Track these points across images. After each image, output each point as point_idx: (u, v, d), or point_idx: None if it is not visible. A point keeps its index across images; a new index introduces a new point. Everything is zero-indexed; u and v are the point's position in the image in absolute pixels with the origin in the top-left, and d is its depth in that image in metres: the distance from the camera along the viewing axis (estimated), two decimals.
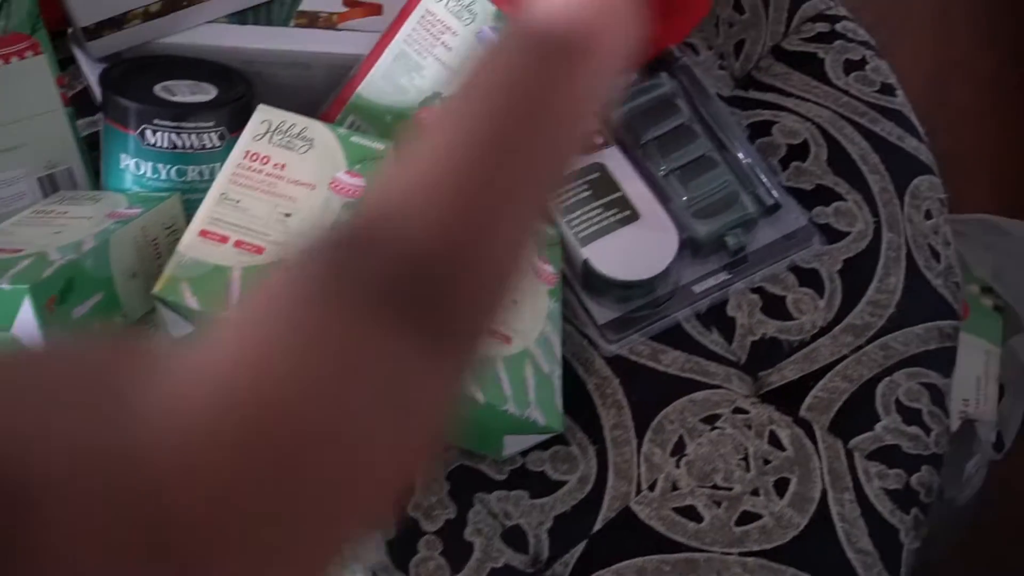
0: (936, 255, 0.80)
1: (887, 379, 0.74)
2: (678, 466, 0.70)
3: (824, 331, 0.75)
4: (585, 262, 0.72)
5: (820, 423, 0.73)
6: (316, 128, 0.68)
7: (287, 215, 0.64)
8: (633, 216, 0.74)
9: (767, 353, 0.75)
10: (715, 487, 0.70)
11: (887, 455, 0.72)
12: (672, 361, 0.74)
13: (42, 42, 0.67)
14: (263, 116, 0.68)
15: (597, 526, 0.69)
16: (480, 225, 0.25)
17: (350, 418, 0.23)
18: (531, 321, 0.68)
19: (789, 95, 0.86)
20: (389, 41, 0.73)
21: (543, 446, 0.70)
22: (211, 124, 0.69)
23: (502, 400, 0.63)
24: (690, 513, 0.69)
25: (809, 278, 0.77)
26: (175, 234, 0.67)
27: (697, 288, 0.75)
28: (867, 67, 0.88)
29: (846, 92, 0.86)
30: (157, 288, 0.61)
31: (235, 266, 0.62)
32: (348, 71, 0.74)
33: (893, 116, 0.85)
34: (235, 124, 0.69)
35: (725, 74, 0.88)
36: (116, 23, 0.72)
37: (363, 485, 0.24)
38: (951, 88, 1.53)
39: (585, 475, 0.70)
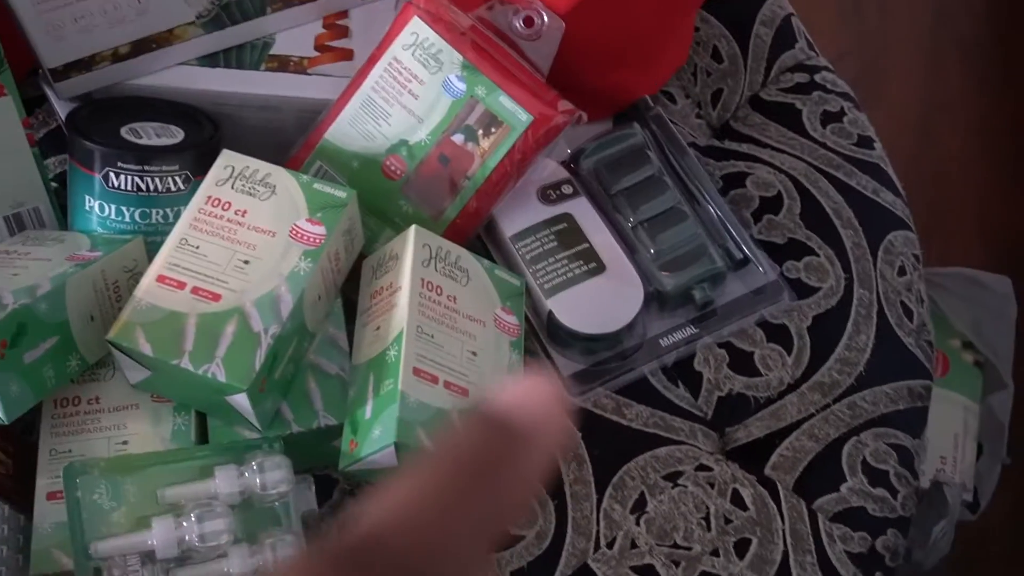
0: (909, 312, 0.79)
1: (854, 439, 0.73)
2: (638, 523, 0.69)
3: (792, 388, 0.75)
4: (549, 314, 0.72)
5: (784, 483, 0.72)
6: (279, 174, 0.68)
7: (246, 262, 0.64)
8: (599, 268, 0.73)
9: (734, 409, 0.74)
10: (674, 546, 0.69)
11: (852, 517, 0.71)
12: (636, 415, 0.73)
13: (7, 84, 0.67)
14: (226, 161, 0.68)
15: None
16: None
17: None
18: (491, 373, 0.67)
19: (765, 146, 0.85)
20: (357, 88, 0.73)
21: None
22: (175, 168, 0.69)
23: None
24: (648, 572, 0.68)
25: (778, 334, 0.76)
26: (136, 277, 0.67)
27: (664, 341, 0.74)
28: (845, 119, 0.87)
29: (823, 144, 0.85)
30: (111, 333, 0.61)
31: (190, 312, 0.62)
32: (318, 115, 0.74)
33: (869, 169, 0.85)
34: (200, 168, 0.69)
35: (702, 123, 0.88)
36: (85, 65, 0.72)
37: None
38: (940, 132, 1.53)
39: (543, 530, 0.69)
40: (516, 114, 0.71)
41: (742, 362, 0.75)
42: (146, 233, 0.70)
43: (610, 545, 0.69)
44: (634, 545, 0.69)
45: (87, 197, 0.69)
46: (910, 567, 0.90)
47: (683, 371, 0.75)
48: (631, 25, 0.77)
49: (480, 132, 0.71)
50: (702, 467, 0.72)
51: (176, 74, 0.75)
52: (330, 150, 0.73)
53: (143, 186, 0.69)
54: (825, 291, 0.78)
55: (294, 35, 0.77)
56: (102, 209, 0.69)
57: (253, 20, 0.75)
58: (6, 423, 0.58)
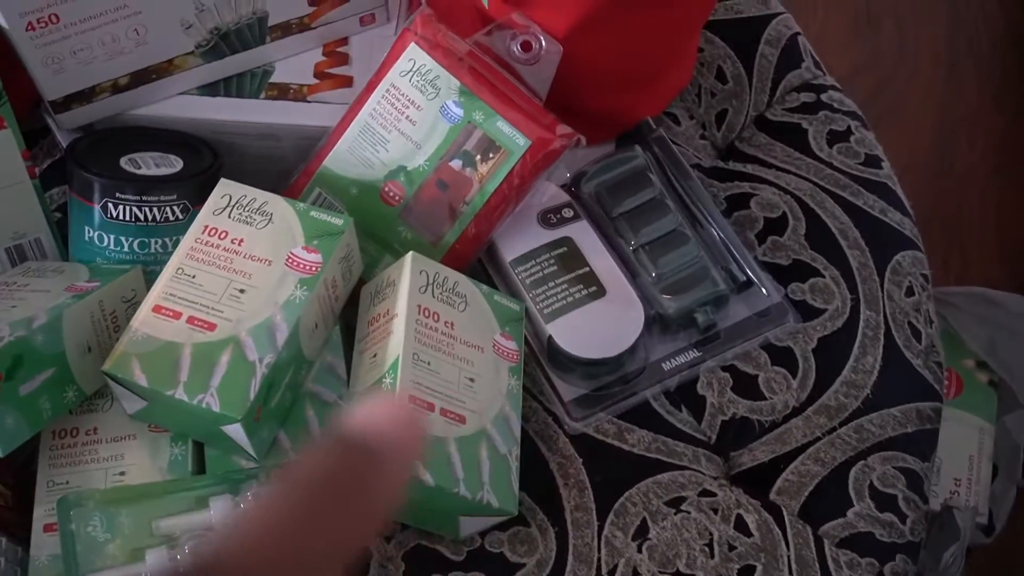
0: (917, 334, 0.78)
1: (861, 463, 0.72)
2: (640, 551, 0.68)
3: (797, 412, 0.74)
4: (549, 339, 0.71)
5: (790, 508, 0.71)
6: (276, 203, 0.68)
7: (241, 291, 0.64)
8: (600, 292, 0.72)
9: (738, 433, 0.74)
10: (677, 573, 0.68)
11: (859, 543, 0.70)
12: (638, 440, 0.72)
13: (6, 117, 0.67)
14: (224, 190, 0.68)
15: None
16: None
17: None
18: (489, 400, 0.66)
19: (770, 167, 0.84)
20: (355, 114, 0.73)
21: (502, 527, 0.69)
22: (173, 197, 0.69)
23: (453, 483, 0.62)
24: None
25: (782, 357, 0.75)
26: (135, 307, 0.67)
27: (666, 365, 0.73)
28: (852, 138, 0.86)
29: (829, 164, 0.85)
30: (107, 364, 0.61)
31: (186, 342, 0.62)
32: (317, 143, 0.74)
33: (877, 189, 0.84)
34: (199, 197, 0.69)
35: (707, 144, 0.87)
36: (85, 96, 0.72)
37: None
38: (957, 147, 1.51)
39: (544, 558, 0.68)
40: (514, 139, 0.70)
41: (746, 385, 0.74)
42: (145, 263, 0.70)
43: (611, 573, 0.68)
44: (636, 573, 0.68)
45: (86, 228, 0.70)
46: None
47: (686, 395, 0.74)
48: (631, 48, 0.77)
49: (478, 157, 0.71)
50: (705, 492, 0.71)
51: (176, 104, 0.75)
52: (329, 177, 0.73)
53: (141, 216, 0.69)
54: (831, 313, 0.77)
55: (294, 63, 0.77)
56: (101, 239, 0.70)
57: (253, 49, 0.75)
58: (1, 456, 0.58)
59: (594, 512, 0.69)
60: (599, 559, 0.68)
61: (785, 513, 0.70)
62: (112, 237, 0.69)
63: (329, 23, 0.76)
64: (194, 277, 0.64)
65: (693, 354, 0.74)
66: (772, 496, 0.71)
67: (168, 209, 0.69)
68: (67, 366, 0.63)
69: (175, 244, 0.70)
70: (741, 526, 0.70)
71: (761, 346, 0.75)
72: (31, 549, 0.61)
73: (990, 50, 1.61)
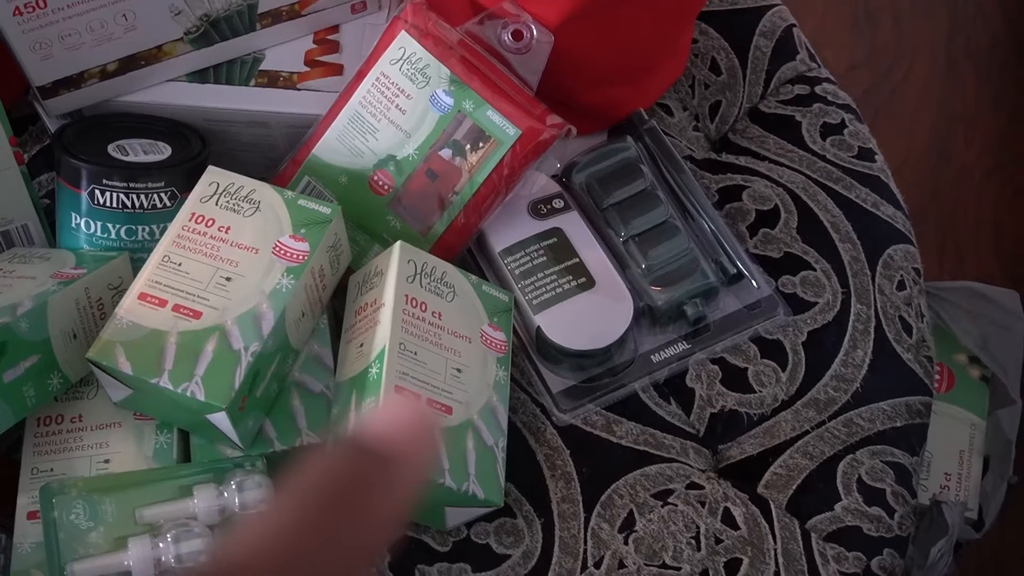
0: (908, 328, 0.78)
1: (850, 457, 0.72)
2: (626, 543, 0.68)
3: (786, 405, 0.73)
4: (538, 330, 0.71)
5: (777, 501, 0.70)
6: (263, 191, 0.67)
7: (228, 279, 0.63)
8: (589, 283, 0.72)
9: (726, 426, 0.73)
10: (663, 566, 0.67)
11: (846, 537, 0.70)
12: (626, 432, 0.72)
13: None
14: (211, 178, 0.68)
15: None
16: None
17: None
18: (476, 391, 0.66)
19: (763, 159, 0.84)
20: (345, 103, 0.72)
21: (488, 518, 0.68)
22: (161, 184, 0.69)
23: (439, 473, 0.61)
24: None
25: (772, 350, 0.75)
26: (121, 294, 0.67)
27: (656, 357, 0.73)
28: (845, 131, 0.86)
29: (822, 157, 0.84)
30: (91, 352, 0.61)
31: (171, 331, 0.61)
32: (307, 131, 0.74)
33: (870, 182, 0.83)
34: (186, 184, 0.69)
35: (700, 136, 0.87)
36: (73, 82, 0.72)
37: None
38: (954, 144, 1.51)
39: (530, 549, 0.68)
40: (504, 128, 0.70)
41: (735, 378, 0.74)
42: (132, 250, 0.70)
43: (597, 565, 0.68)
44: (622, 565, 0.67)
45: (73, 214, 0.69)
46: None
47: (675, 387, 0.74)
48: (624, 39, 0.76)
49: (468, 147, 0.71)
50: (693, 485, 0.70)
51: (165, 90, 0.75)
52: (318, 166, 0.73)
53: (129, 203, 0.69)
54: (821, 306, 0.77)
55: (284, 51, 0.77)
56: (88, 226, 0.69)
57: (242, 36, 0.75)
58: None
59: (581, 504, 0.69)
60: (585, 551, 0.68)
61: (773, 506, 0.70)
62: (99, 224, 0.69)
63: (320, 11, 0.76)
64: (180, 265, 0.64)
65: (682, 346, 0.74)
66: (760, 489, 0.71)
67: (155, 196, 0.69)
68: (52, 353, 0.63)
69: (162, 231, 0.69)
70: (728, 519, 0.69)
71: (751, 339, 0.75)
72: (15, 538, 0.61)
73: (988, 49, 1.60)
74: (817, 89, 0.89)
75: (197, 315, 0.62)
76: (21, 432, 0.65)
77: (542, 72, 0.74)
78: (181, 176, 0.70)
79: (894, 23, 1.62)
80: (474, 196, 0.71)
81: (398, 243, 0.68)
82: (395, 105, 0.71)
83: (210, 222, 0.66)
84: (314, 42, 0.77)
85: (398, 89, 0.71)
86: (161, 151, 0.72)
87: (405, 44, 0.71)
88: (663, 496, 0.70)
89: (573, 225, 0.75)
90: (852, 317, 0.76)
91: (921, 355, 0.77)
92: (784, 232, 0.80)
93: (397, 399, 0.35)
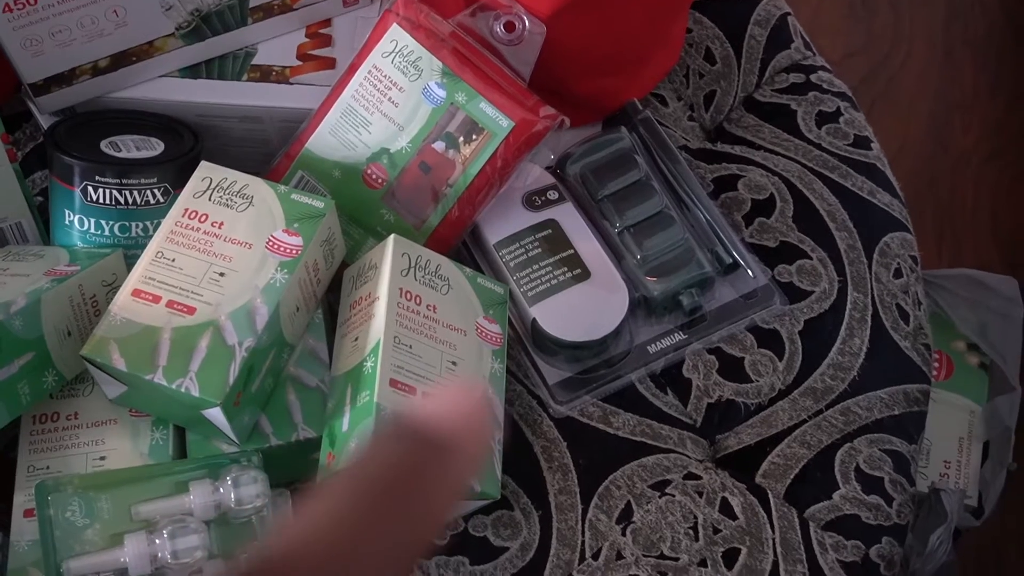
0: (905, 315, 0.78)
1: (847, 446, 0.72)
2: (624, 533, 0.68)
3: (783, 394, 0.73)
4: (533, 322, 0.71)
5: (775, 491, 0.70)
6: (256, 185, 0.67)
7: (221, 274, 0.63)
8: (584, 275, 0.72)
9: (724, 416, 0.73)
10: (661, 556, 0.67)
11: (845, 525, 0.70)
12: (623, 424, 0.72)
13: None
14: (204, 173, 0.68)
15: None
16: None
17: None
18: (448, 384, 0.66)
19: (759, 148, 0.84)
20: (337, 97, 0.72)
21: (486, 510, 0.68)
22: (154, 180, 0.69)
23: None
24: None
25: (769, 339, 0.75)
26: (115, 291, 0.66)
27: (652, 348, 0.73)
28: (841, 119, 0.86)
29: (818, 145, 0.84)
30: (85, 349, 0.60)
31: (165, 326, 0.61)
32: (300, 125, 0.74)
33: (865, 170, 0.83)
34: (180, 180, 0.69)
35: (695, 126, 0.86)
36: (64, 79, 0.72)
37: None
38: (952, 132, 1.50)
39: (528, 542, 0.68)
40: (497, 120, 0.70)
41: (732, 368, 0.74)
42: (126, 246, 0.70)
43: (595, 556, 0.67)
44: (620, 556, 0.67)
45: (67, 211, 0.69)
46: (909, 575, 0.88)
47: (672, 378, 0.74)
48: (617, 30, 0.76)
49: (461, 139, 0.70)
50: (690, 475, 0.70)
51: (158, 86, 0.75)
52: (311, 160, 0.73)
53: (122, 200, 0.68)
54: (818, 295, 0.76)
55: (276, 45, 0.77)
56: (82, 223, 0.69)
57: (234, 31, 0.75)
58: None
59: (578, 495, 0.69)
60: (583, 542, 0.68)
61: (771, 496, 0.70)
62: (92, 221, 0.69)
63: (311, 4, 0.76)
64: (174, 261, 0.64)
65: (679, 337, 0.73)
66: (758, 479, 0.71)
67: (149, 192, 0.69)
68: (46, 351, 0.63)
69: (156, 227, 0.69)
70: (726, 509, 0.69)
71: (747, 328, 0.75)
72: (11, 536, 0.61)
73: (985, 36, 1.60)
74: (812, 77, 0.89)
75: (191, 311, 0.62)
76: (17, 430, 0.65)
77: (535, 63, 0.74)
78: (174, 172, 0.69)
79: (891, 10, 1.62)
80: (468, 188, 0.71)
81: (392, 236, 0.67)
82: (388, 98, 0.71)
83: (203, 217, 0.66)
84: (306, 36, 0.77)
85: (390, 82, 0.71)
86: (154, 147, 0.71)
87: (397, 37, 0.71)
88: (661, 487, 0.70)
89: (568, 216, 0.74)
90: (849, 305, 0.76)
91: (919, 343, 0.77)
92: (780, 221, 0.79)
93: (454, 385, 0.34)
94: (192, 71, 0.75)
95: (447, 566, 0.67)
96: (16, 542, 0.61)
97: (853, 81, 0.88)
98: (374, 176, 0.72)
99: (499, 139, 0.70)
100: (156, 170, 0.69)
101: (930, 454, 1.08)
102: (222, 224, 0.65)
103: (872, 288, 0.77)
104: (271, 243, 0.65)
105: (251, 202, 0.66)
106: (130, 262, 0.69)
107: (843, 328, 0.75)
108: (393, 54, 0.71)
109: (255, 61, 0.76)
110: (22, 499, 0.62)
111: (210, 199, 0.66)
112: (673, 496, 0.69)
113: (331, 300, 0.71)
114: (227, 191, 0.67)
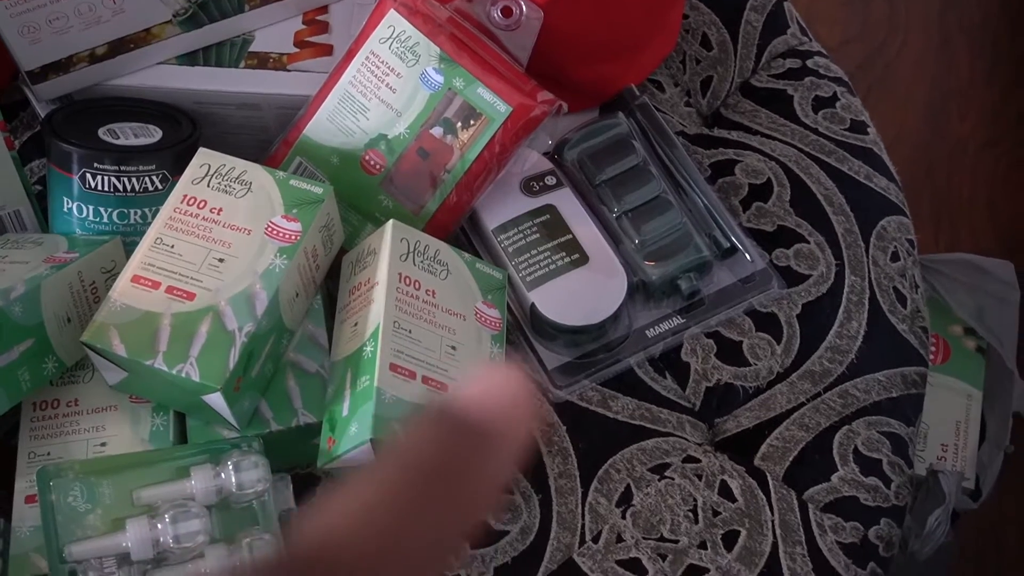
0: (902, 299, 0.78)
1: (846, 428, 0.72)
2: (624, 517, 0.68)
3: (781, 377, 0.74)
4: (532, 306, 0.71)
5: (774, 473, 0.71)
6: (255, 171, 0.67)
7: (220, 260, 0.63)
8: (583, 259, 0.72)
9: (722, 400, 0.73)
10: (661, 539, 0.68)
11: (843, 507, 0.70)
12: (622, 407, 0.72)
13: None
14: (202, 159, 0.68)
15: None
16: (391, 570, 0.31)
17: None
18: (471, 368, 0.66)
19: (755, 133, 0.84)
20: (335, 83, 0.72)
21: None
22: (152, 167, 0.69)
23: None
24: (634, 566, 0.67)
25: (767, 322, 0.75)
26: (114, 278, 0.67)
27: (650, 332, 0.73)
28: (837, 104, 0.86)
29: (814, 130, 0.84)
30: (85, 335, 0.61)
31: (165, 312, 0.61)
32: (298, 112, 0.74)
33: (862, 154, 0.83)
34: (178, 167, 0.69)
35: (692, 111, 0.87)
36: (62, 66, 0.72)
37: None
38: (948, 119, 1.50)
39: (528, 525, 0.68)
40: (495, 105, 0.70)
41: (730, 352, 0.74)
42: (124, 234, 0.70)
43: (595, 539, 0.68)
44: (620, 539, 0.68)
45: (65, 199, 0.69)
46: (907, 557, 0.88)
47: (670, 362, 0.74)
48: (614, 15, 0.76)
49: (459, 125, 0.71)
50: (690, 459, 0.71)
51: (155, 73, 0.75)
52: (309, 146, 0.73)
53: (120, 187, 0.69)
54: (815, 278, 0.77)
55: (273, 32, 0.77)
56: (80, 210, 0.69)
57: (231, 18, 0.75)
58: None
59: (578, 479, 0.69)
60: (583, 526, 0.68)
61: (769, 478, 0.70)
62: (91, 208, 0.69)
63: None
64: (173, 247, 0.64)
65: (677, 321, 0.74)
66: (756, 462, 0.71)
67: (147, 179, 0.69)
68: (46, 337, 0.63)
69: (154, 214, 0.69)
70: (725, 492, 0.69)
71: (745, 312, 0.75)
72: (12, 522, 0.61)
73: (981, 23, 1.60)
74: (809, 63, 0.89)
75: (190, 296, 0.62)
76: (17, 418, 0.65)
77: (532, 49, 0.74)
78: (172, 159, 0.70)
79: None
80: (466, 174, 0.71)
81: (390, 222, 0.67)
82: (385, 84, 0.71)
83: (202, 204, 0.66)
84: (303, 23, 0.77)
85: (388, 68, 0.71)
86: (152, 134, 0.71)
87: (394, 23, 0.71)
88: (660, 470, 0.70)
89: (566, 202, 0.74)
90: (846, 289, 0.76)
91: (916, 326, 0.77)
92: (777, 205, 0.79)
93: (495, 369, 0.33)
94: (190, 58, 0.75)
95: None
96: (18, 528, 0.61)
97: (849, 68, 0.88)
98: (372, 162, 0.72)
99: (497, 124, 0.70)
100: (154, 157, 0.69)
101: (927, 438, 1.09)
102: (221, 210, 0.65)
103: (869, 271, 0.77)
104: (270, 229, 0.65)
105: (250, 188, 0.66)
106: (128, 249, 0.69)
107: (841, 311, 0.76)
108: (390, 40, 0.71)
109: (252, 48, 0.76)
110: (23, 485, 0.62)
111: (209, 185, 0.67)
112: (672, 479, 0.70)
113: (330, 286, 0.72)
114: (226, 177, 0.67)
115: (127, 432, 0.65)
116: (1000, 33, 1.59)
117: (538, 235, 0.73)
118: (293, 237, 0.65)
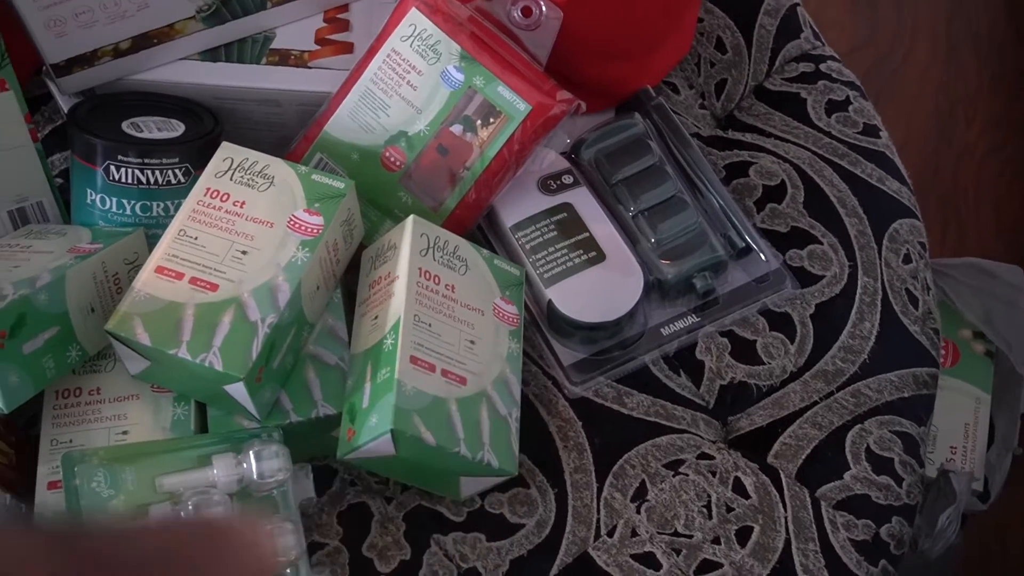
0: (914, 300, 0.79)
1: (858, 427, 0.73)
2: (638, 512, 0.69)
3: (794, 377, 0.74)
4: (549, 303, 0.72)
5: (787, 471, 0.71)
6: (277, 166, 0.68)
7: (243, 252, 0.64)
8: (599, 257, 0.73)
9: (736, 398, 0.74)
10: (675, 534, 0.68)
11: (855, 505, 0.70)
12: (637, 404, 0.72)
13: (8, 79, 0.68)
14: (225, 153, 0.68)
15: (554, 571, 0.67)
16: None
17: None
18: (489, 363, 0.67)
19: (769, 135, 0.85)
20: (356, 79, 0.73)
21: (502, 488, 0.69)
22: (176, 161, 0.70)
23: (454, 442, 0.62)
24: (649, 560, 0.68)
25: (780, 322, 0.76)
26: (137, 269, 0.67)
27: (665, 330, 0.74)
28: (850, 108, 0.87)
29: (827, 133, 0.85)
30: (110, 324, 0.61)
31: (188, 303, 0.62)
32: (318, 109, 0.75)
33: (875, 157, 0.84)
34: (201, 161, 0.69)
35: (706, 113, 0.87)
36: (86, 60, 0.72)
37: None
38: (955, 125, 1.51)
39: (544, 519, 0.69)
40: (514, 104, 0.71)
41: (744, 351, 0.75)
42: (147, 226, 0.70)
43: (610, 533, 0.68)
44: (635, 533, 0.68)
45: (88, 191, 0.70)
46: (917, 556, 0.89)
47: (685, 360, 0.75)
48: (631, 17, 0.77)
49: (478, 122, 0.71)
50: (704, 455, 0.71)
51: (177, 69, 0.76)
52: (330, 142, 0.73)
53: (144, 179, 0.69)
54: (828, 279, 0.77)
55: (295, 29, 0.77)
56: (103, 202, 0.70)
57: (253, 15, 0.76)
58: (5, 412, 0.59)
59: (593, 474, 0.70)
60: (598, 520, 0.69)
61: (782, 476, 0.71)
62: (114, 200, 0.70)
63: None
64: (196, 239, 0.65)
65: (692, 319, 0.74)
66: (770, 459, 0.72)
67: (170, 172, 0.70)
68: (70, 326, 0.63)
69: (176, 208, 0.70)
70: (739, 488, 0.70)
71: (759, 312, 0.76)
72: (35, 507, 0.62)
73: (988, 31, 1.61)
74: (822, 67, 0.90)
75: (213, 287, 0.63)
76: (37, 407, 0.65)
77: (551, 48, 0.74)
78: (195, 152, 0.70)
79: (894, 4, 1.63)
80: (485, 171, 0.72)
81: (411, 217, 0.68)
82: (406, 81, 0.72)
83: (225, 197, 0.67)
84: (324, 20, 0.78)
85: (409, 65, 0.72)
86: (174, 128, 0.72)
87: (415, 21, 0.72)
88: (674, 466, 0.71)
89: (582, 200, 0.75)
90: (859, 290, 0.77)
91: (927, 327, 0.78)
92: (791, 207, 0.80)
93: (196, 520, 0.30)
94: (211, 54, 0.76)
95: (464, 542, 0.68)
96: (40, 514, 0.61)
97: (857, 74, 0.89)
98: (392, 159, 0.73)
99: (516, 122, 0.71)
100: (178, 150, 0.70)
101: (936, 440, 1.09)
102: (244, 203, 0.66)
103: (882, 273, 0.78)
104: (292, 222, 0.65)
105: (272, 182, 0.67)
106: (151, 242, 0.70)
107: (853, 312, 0.76)
108: (412, 38, 0.72)
109: (273, 45, 0.77)
110: (45, 471, 0.63)
111: (231, 179, 0.67)
112: (687, 475, 0.70)
113: (348, 281, 0.72)
114: (248, 171, 0.68)
115: (148, 421, 0.65)
116: (1007, 41, 1.60)
117: (555, 233, 0.74)
118: (315, 231, 0.65)
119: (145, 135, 0.70)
